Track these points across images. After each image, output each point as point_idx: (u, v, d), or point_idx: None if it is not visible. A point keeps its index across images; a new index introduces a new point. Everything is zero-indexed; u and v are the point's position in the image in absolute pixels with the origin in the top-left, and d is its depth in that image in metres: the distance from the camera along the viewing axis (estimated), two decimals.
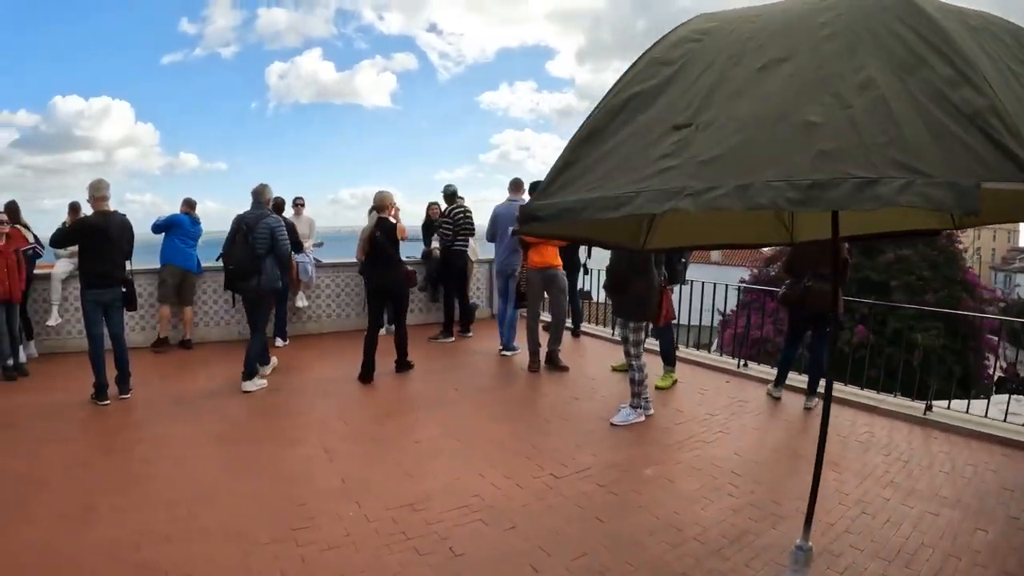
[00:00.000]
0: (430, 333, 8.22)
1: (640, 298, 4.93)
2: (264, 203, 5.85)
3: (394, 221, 6.28)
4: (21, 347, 6.64)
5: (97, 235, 5.36)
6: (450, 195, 8.14)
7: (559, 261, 6.58)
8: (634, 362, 4.95)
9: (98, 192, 5.46)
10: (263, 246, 5.62)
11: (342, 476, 4.08)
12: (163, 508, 3.64)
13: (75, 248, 6.99)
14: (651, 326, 5.59)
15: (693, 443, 4.55)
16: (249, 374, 5.90)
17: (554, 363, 6.64)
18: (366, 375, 6.24)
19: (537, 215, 1.88)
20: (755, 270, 19.86)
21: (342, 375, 6.56)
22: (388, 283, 6.25)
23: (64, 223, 7.46)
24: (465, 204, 8.07)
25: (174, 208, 7.76)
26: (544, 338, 6.88)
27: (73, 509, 3.65)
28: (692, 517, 3.48)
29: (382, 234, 6.07)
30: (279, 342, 7.81)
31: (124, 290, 5.59)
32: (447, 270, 8.00)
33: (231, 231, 5.71)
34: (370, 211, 6.29)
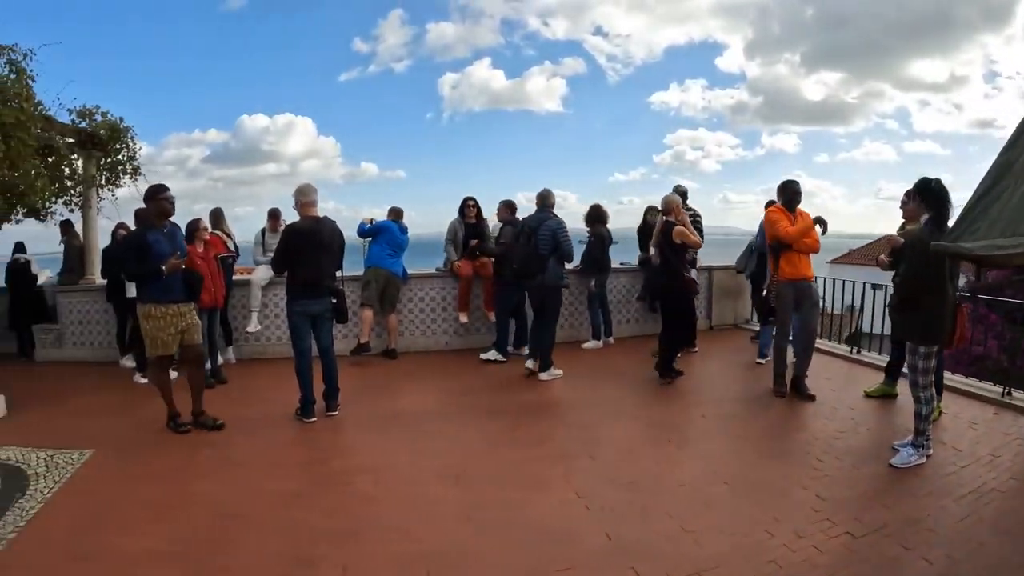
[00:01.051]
0: (649, 346, 7.19)
1: (933, 318, 4.10)
2: (548, 207, 6.01)
3: (676, 224, 5.83)
4: (219, 353, 6.35)
5: (308, 242, 4.76)
6: (680, 196, 7.14)
7: (812, 272, 5.61)
8: (921, 394, 4.13)
9: (306, 197, 4.88)
10: (546, 246, 5.77)
11: (606, 530, 3.18)
12: (396, 567, 2.86)
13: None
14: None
15: (988, 493, 3.68)
16: (544, 365, 6.02)
17: (800, 391, 5.53)
18: (667, 370, 5.92)
19: None
20: (970, 276, 16.60)
21: (575, 396, 5.58)
22: (664, 289, 6.03)
23: (262, 229, 7.28)
24: (694, 208, 7.09)
25: (359, 215, 7.50)
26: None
27: (286, 560, 2.87)
28: None
29: (664, 238, 5.85)
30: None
31: (334, 301, 4.98)
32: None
33: (515, 233, 6.06)
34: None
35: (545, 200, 6.03)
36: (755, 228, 6.80)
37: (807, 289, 5.49)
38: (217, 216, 6.68)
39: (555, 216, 6.02)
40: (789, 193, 5.45)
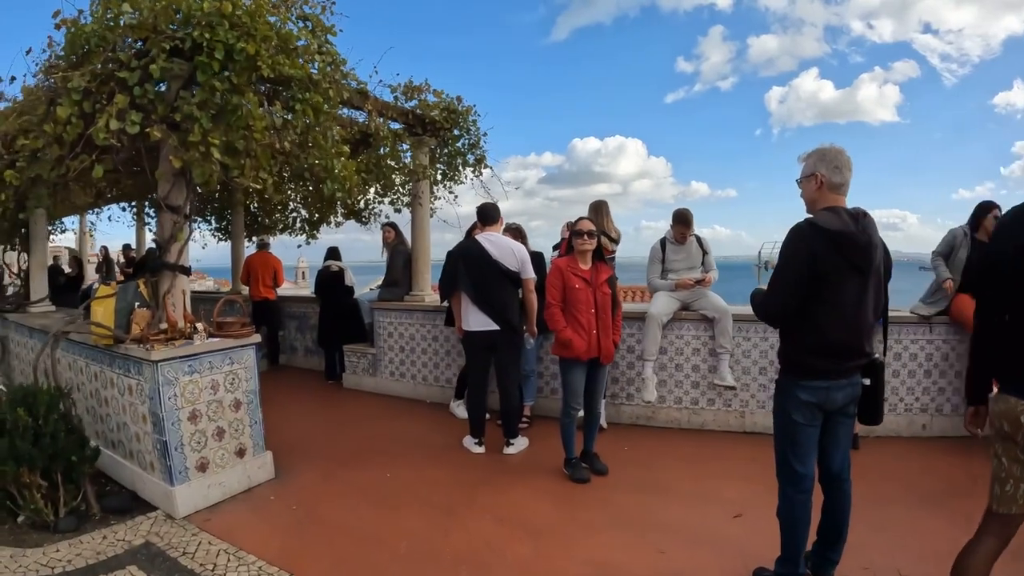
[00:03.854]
0: None
1: None
2: None
3: None
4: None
5: (842, 257, 2.32)
6: None
7: None
8: None
9: (830, 169, 2.39)
10: None
11: None
12: None
13: (687, 277, 4.69)
14: None
15: None
16: None
17: None
18: None
19: None
20: None
21: None
22: None
23: (662, 240, 5.22)
24: None
25: None
26: None
27: None
28: None
29: None
30: None
31: (867, 382, 2.54)
32: None
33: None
34: None
35: None
36: None
37: None
38: (598, 209, 4.77)
39: None
40: None
